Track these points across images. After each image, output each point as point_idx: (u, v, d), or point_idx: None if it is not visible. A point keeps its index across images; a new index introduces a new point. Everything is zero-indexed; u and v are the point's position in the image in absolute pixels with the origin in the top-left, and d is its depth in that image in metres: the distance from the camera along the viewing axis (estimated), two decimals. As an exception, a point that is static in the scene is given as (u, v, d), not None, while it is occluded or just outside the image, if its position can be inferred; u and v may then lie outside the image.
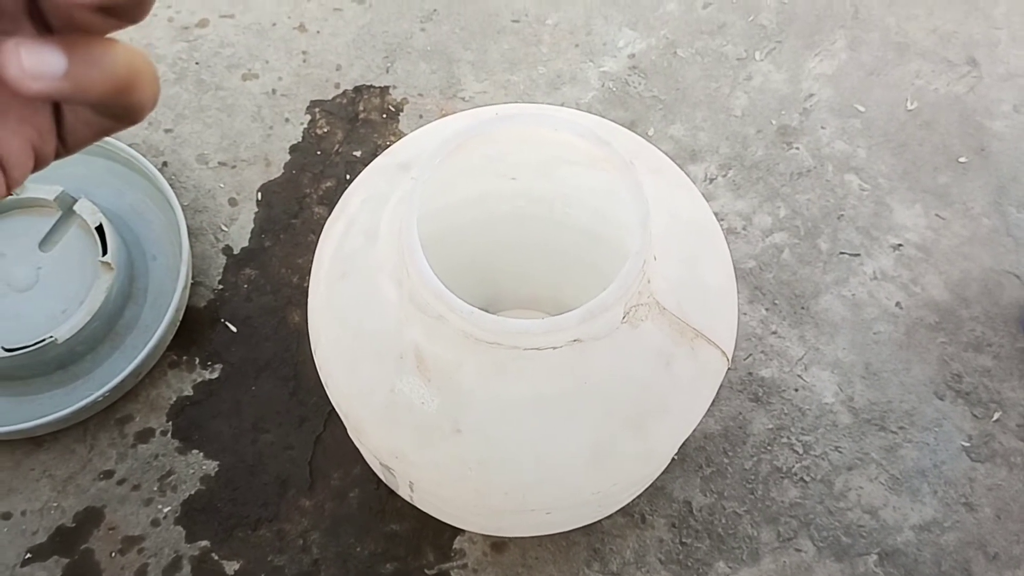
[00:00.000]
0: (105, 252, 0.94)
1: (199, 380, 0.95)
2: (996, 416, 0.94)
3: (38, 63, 0.25)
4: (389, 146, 1.07)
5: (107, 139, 1.02)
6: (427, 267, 0.60)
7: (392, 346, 0.65)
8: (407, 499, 0.78)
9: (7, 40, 0.25)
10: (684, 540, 0.88)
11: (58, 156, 0.31)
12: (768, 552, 0.88)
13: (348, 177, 1.05)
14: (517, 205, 0.84)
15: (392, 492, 0.88)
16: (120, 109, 0.29)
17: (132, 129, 1.05)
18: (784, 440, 0.92)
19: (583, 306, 0.59)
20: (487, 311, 0.96)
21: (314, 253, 0.73)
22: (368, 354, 0.66)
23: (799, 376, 0.95)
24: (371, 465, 0.80)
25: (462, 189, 0.79)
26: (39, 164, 0.30)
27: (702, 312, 0.68)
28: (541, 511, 0.68)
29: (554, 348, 0.60)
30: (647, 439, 0.65)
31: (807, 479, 0.91)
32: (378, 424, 0.66)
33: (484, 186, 0.80)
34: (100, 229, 0.96)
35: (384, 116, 1.09)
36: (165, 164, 1.06)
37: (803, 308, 0.98)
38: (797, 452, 0.92)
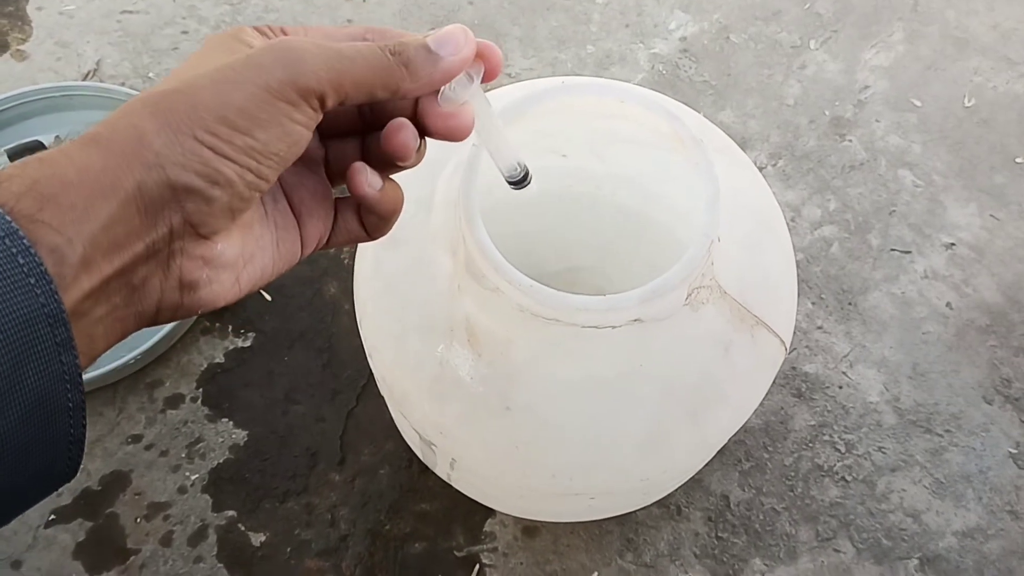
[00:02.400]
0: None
1: (231, 348, 0.93)
2: (1045, 424, 0.91)
3: (373, 181, 0.45)
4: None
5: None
6: (486, 236, 0.58)
7: (443, 318, 0.63)
8: (445, 478, 0.76)
9: (354, 164, 0.44)
10: (720, 535, 0.86)
11: (318, 248, 0.48)
12: (806, 551, 0.86)
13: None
14: (566, 184, 0.81)
15: (424, 471, 0.86)
16: (379, 225, 0.48)
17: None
18: (826, 438, 0.90)
19: (646, 285, 0.57)
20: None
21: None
22: (417, 326, 0.64)
23: (844, 373, 0.93)
24: (410, 442, 0.79)
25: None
26: (314, 251, 0.47)
27: (763, 299, 0.65)
28: (586, 496, 0.66)
29: (613, 328, 0.58)
30: (702, 427, 0.63)
31: (848, 479, 0.88)
32: (424, 398, 0.64)
33: (533, 163, 0.78)
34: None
35: (428, 89, 1.07)
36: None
37: (851, 304, 0.96)
38: (839, 451, 0.90)
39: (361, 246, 0.69)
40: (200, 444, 0.89)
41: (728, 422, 0.65)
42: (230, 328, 0.94)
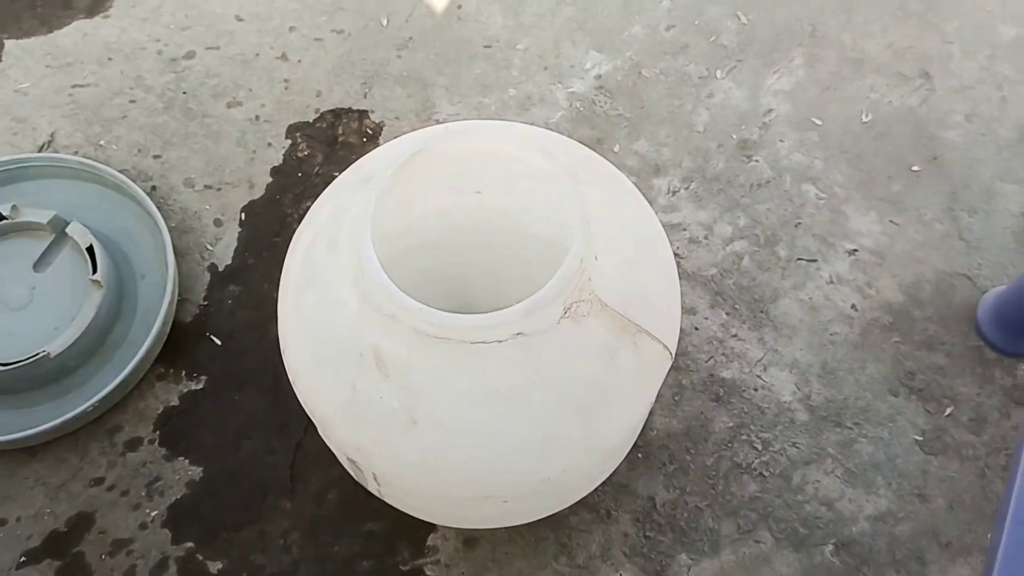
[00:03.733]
0: (95, 271, 1.00)
1: (185, 391, 1.00)
2: (948, 411, 0.97)
3: None
4: (366, 166, 1.12)
5: (98, 165, 1.07)
6: (380, 269, 0.65)
7: (352, 346, 0.70)
8: (376, 493, 0.82)
9: None
10: (648, 534, 0.92)
11: None
12: (728, 544, 0.92)
13: (327, 197, 1.10)
14: (484, 218, 0.88)
15: (369, 493, 0.93)
16: None
17: (122, 156, 1.11)
18: (744, 437, 0.96)
19: (523, 301, 0.64)
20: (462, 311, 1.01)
21: (286, 264, 0.78)
22: (331, 355, 0.71)
23: (758, 376, 0.99)
24: (340, 460, 0.85)
25: (430, 203, 0.84)
26: None
27: (645, 310, 0.72)
28: (498, 499, 0.72)
29: (499, 342, 0.65)
30: (591, 428, 0.70)
31: (766, 474, 0.95)
32: (342, 420, 0.70)
33: (450, 201, 0.85)
34: (91, 250, 1.01)
35: (363, 139, 1.15)
36: (154, 188, 1.11)
37: (762, 312, 1.03)
38: (756, 449, 0.96)
39: (282, 286, 0.76)
40: (159, 483, 0.95)
41: (617, 422, 0.72)
42: (183, 373, 1.01)
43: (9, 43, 1.21)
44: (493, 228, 0.90)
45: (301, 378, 0.72)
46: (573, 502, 0.85)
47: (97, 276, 0.99)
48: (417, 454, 0.69)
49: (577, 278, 0.65)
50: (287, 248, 1.06)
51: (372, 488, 0.81)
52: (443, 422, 0.68)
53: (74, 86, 1.18)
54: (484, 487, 0.69)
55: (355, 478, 0.85)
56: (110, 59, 1.21)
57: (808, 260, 1.06)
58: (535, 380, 0.68)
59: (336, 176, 1.11)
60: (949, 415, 0.97)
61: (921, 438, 0.96)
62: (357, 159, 1.12)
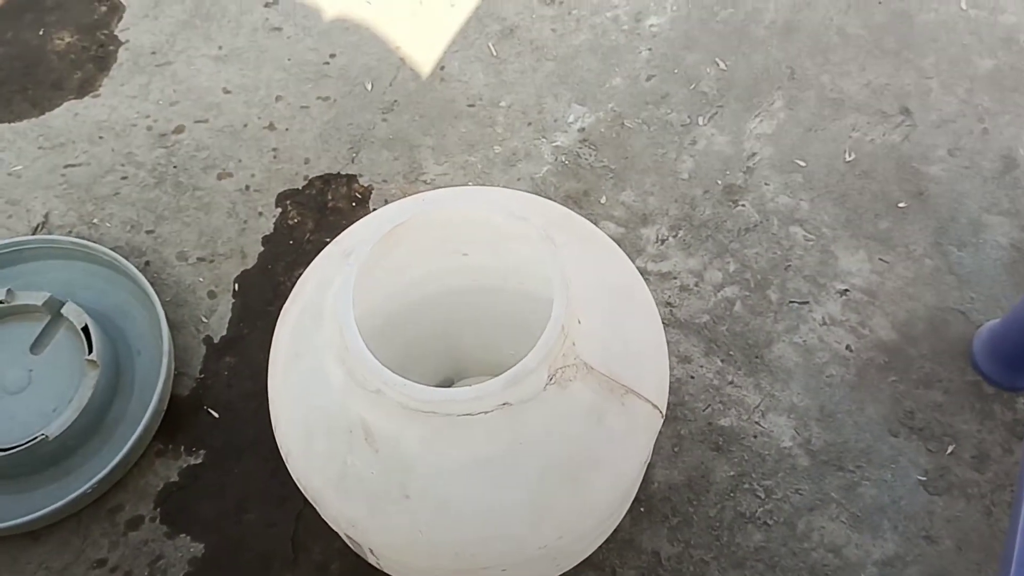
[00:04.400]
0: (91, 351, 1.00)
1: (184, 466, 1.00)
2: (950, 449, 0.97)
3: None
4: (356, 231, 1.13)
5: (90, 243, 1.08)
6: (363, 345, 0.65)
7: (341, 421, 0.70)
8: (375, 565, 0.82)
9: None
10: (652, 590, 0.91)
11: None
12: (735, 596, 0.91)
13: (319, 263, 1.11)
14: (472, 279, 0.89)
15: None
16: None
17: (115, 232, 1.12)
18: (746, 486, 0.96)
19: (507, 372, 0.64)
20: (452, 381, 1.01)
21: (276, 339, 0.79)
22: (321, 430, 0.71)
23: (757, 423, 0.99)
24: (339, 533, 0.85)
25: (416, 268, 0.84)
26: None
27: (630, 369, 0.72)
28: (495, 568, 0.72)
29: (486, 412, 0.65)
30: (585, 492, 0.70)
31: (770, 522, 0.94)
32: (334, 495, 0.70)
33: (437, 264, 0.86)
34: (86, 329, 1.02)
35: (352, 203, 1.16)
36: (147, 263, 1.12)
37: (757, 357, 1.03)
38: (759, 497, 0.95)
39: (272, 359, 0.76)
40: (161, 561, 0.95)
41: (609, 485, 0.71)
42: (182, 448, 1.01)
43: (1, 127, 1.23)
44: (482, 288, 0.90)
45: (293, 454, 0.73)
46: (575, 564, 0.85)
47: (93, 356, 1.00)
48: (411, 528, 0.69)
49: (560, 344, 0.66)
50: (281, 317, 1.07)
51: (371, 560, 0.81)
52: (435, 495, 0.68)
53: (67, 166, 1.20)
54: (480, 558, 0.69)
55: (354, 550, 0.85)
56: (101, 137, 1.23)
57: (800, 302, 1.06)
58: (523, 448, 0.68)
59: (328, 242, 1.12)
60: (951, 453, 0.97)
61: (924, 478, 0.96)
62: (348, 224, 1.14)
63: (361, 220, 0.82)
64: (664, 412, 0.74)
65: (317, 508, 0.73)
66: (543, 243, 0.68)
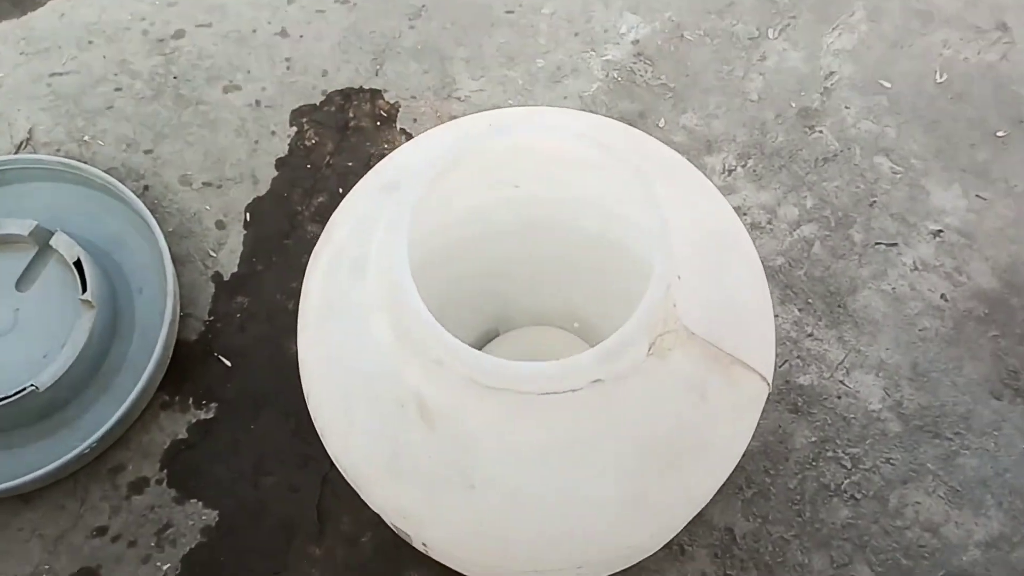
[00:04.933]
0: (85, 289, 0.88)
1: (193, 421, 0.88)
2: (1057, 413, 0.86)
3: None
4: (384, 154, 1.00)
5: (80, 164, 0.95)
6: (422, 306, 0.53)
7: (391, 393, 0.58)
8: (422, 551, 0.71)
9: None
10: (728, 572, 0.81)
11: None
12: (818, 577, 0.81)
13: (341, 191, 0.98)
14: (522, 214, 0.77)
15: (406, 533, 0.82)
16: None
17: (109, 152, 0.98)
18: (830, 454, 0.85)
19: (602, 343, 0.52)
20: (497, 331, 0.89)
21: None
22: (366, 402, 0.59)
23: (841, 382, 0.88)
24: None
25: (461, 203, 0.72)
26: None
27: (736, 333, 0.60)
28: (571, 568, 0.61)
29: (573, 391, 0.53)
30: (685, 482, 0.58)
31: (858, 496, 0.83)
32: (383, 481, 0.59)
33: (484, 197, 0.73)
34: (79, 264, 0.89)
35: (376, 123, 1.02)
36: (146, 188, 0.99)
37: (840, 306, 0.91)
38: (845, 467, 0.85)
39: (301, 314, 0.64)
40: (170, 530, 0.84)
41: (712, 473, 0.60)
42: (190, 400, 0.89)
43: (-24, 29, 1.08)
44: (531, 222, 0.78)
45: (331, 430, 0.61)
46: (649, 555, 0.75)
47: (87, 295, 0.87)
48: (476, 523, 0.57)
49: (663, 307, 0.54)
50: (299, 251, 0.95)
51: (418, 546, 0.70)
52: (505, 484, 0.56)
53: (52, 74, 1.06)
54: (556, 559, 0.58)
55: (398, 534, 0.74)
56: (91, 42, 1.08)
57: (887, 244, 0.94)
58: (615, 431, 0.56)
59: (350, 166, 0.99)
60: (1058, 417, 0.86)
61: (1029, 446, 0.85)
62: (372, 146, 1.01)
63: (406, 146, 0.69)
64: (771, 384, 0.62)
65: (360, 494, 0.61)
66: (635, 179, 0.56)
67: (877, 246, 0.93)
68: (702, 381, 0.58)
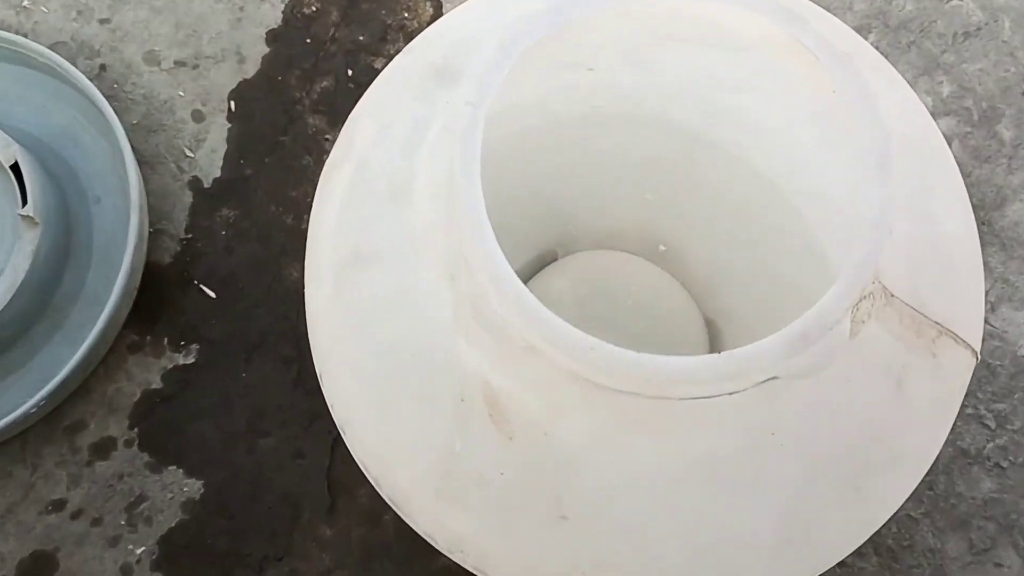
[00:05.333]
0: (25, 201, 0.68)
1: (170, 367, 0.70)
2: None
3: None
4: (405, 26, 0.79)
5: (19, 39, 0.74)
6: (506, 265, 0.34)
7: (447, 380, 0.40)
8: None
9: None
10: (844, 560, 0.64)
11: None
12: (958, 570, 0.65)
13: (350, 73, 0.77)
14: (594, 105, 0.57)
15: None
16: None
17: (55, 22, 0.77)
18: (969, 411, 0.68)
19: (791, 328, 0.33)
20: (555, 253, 0.71)
21: (311, 200, 0.47)
22: (409, 391, 0.41)
23: (985, 320, 0.69)
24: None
25: (518, 90, 0.52)
26: None
27: (943, 290, 0.42)
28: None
29: (731, 393, 0.35)
30: (866, 502, 0.41)
31: (1004, 464, 0.66)
32: (431, 500, 0.41)
33: (549, 82, 0.54)
34: (16, 168, 0.69)
35: (392, -16, 0.81)
36: (103, 68, 0.78)
37: (983, 223, 0.72)
38: (989, 427, 0.67)
39: (309, 261, 0.45)
40: (143, 504, 0.67)
41: (899, 489, 0.42)
42: (166, 340, 0.71)
43: None
44: (605, 118, 0.59)
45: (355, 424, 0.43)
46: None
47: (28, 209, 0.68)
48: (567, 565, 0.40)
49: (872, 270, 0.35)
50: (298, 150, 0.75)
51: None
52: (612, 517, 0.38)
53: (-21, -80, 0.83)
54: (684, 613, 0.41)
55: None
56: None
57: (1045, 145, 0.74)
58: (779, 440, 0.38)
59: (361, 40, 0.78)
60: None
61: None
62: (389, 15, 0.79)
63: (459, 11, 0.49)
64: (980, 355, 0.44)
65: (399, 513, 0.44)
66: (846, 73, 0.36)
67: (1032, 147, 0.74)
68: (900, 364, 0.40)
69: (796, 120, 0.48)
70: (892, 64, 0.71)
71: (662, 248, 0.68)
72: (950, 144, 0.72)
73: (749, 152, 0.56)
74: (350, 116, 0.47)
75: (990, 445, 0.67)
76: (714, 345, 0.66)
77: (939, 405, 0.41)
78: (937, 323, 0.40)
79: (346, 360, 0.43)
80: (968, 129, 0.74)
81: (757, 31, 0.38)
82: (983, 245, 0.70)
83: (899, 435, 0.40)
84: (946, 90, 0.75)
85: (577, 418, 0.37)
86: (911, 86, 0.68)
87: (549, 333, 0.33)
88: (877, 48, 0.76)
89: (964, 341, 0.42)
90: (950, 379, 0.41)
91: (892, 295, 0.39)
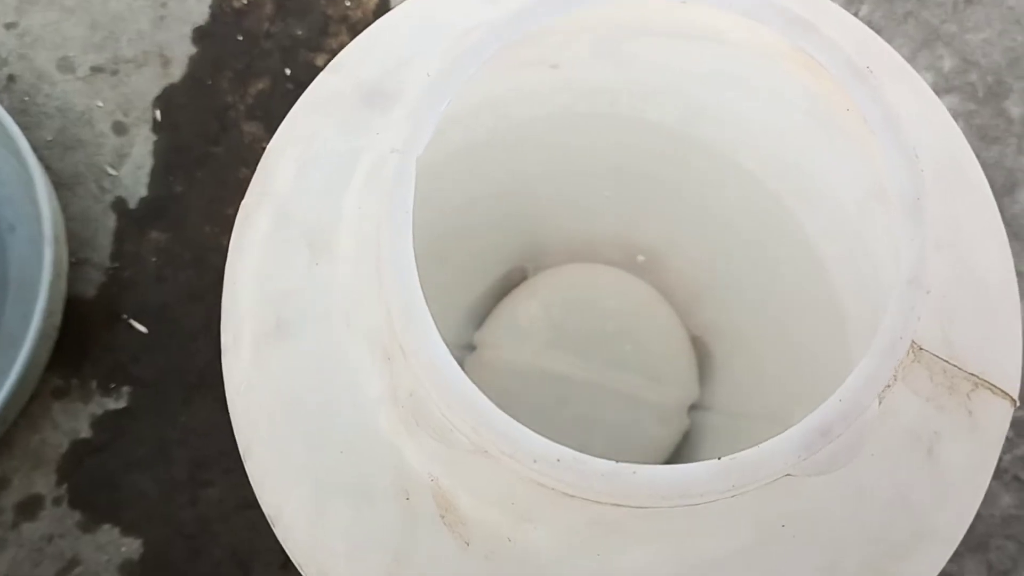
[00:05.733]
0: (-76, 235, 0.61)
1: (100, 413, 0.63)
2: None
3: None
4: (348, 17, 0.71)
5: (-89, 49, 0.66)
6: (451, 363, 0.27)
7: (390, 474, 0.33)
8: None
9: None
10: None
11: None
12: (983, 600, 0.59)
13: (288, 72, 0.70)
14: (560, 104, 0.50)
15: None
16: None
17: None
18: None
19: (808, 422, 0.27)
20: (524, 271, 0.64)
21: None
22: (345, 485, 0.34)
23: (998, 320, 0.63)
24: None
25: (474, 93, 0.44)
26: None
27: (979, 333, 0.35)
28: None
29: (735, 496, 0.28)
30: (894, 592, 0.34)
31: (1022, 477, 0.61)
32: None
33: (503, 84, 0.46)
34: (-87, 198, 0.62)
35: (332, -31, 0.73)
36: (11, 79, 0.70)
37: (993, 212, 0.66)
38: (1007, 437, 0.61)
39: (225, 323, 0.38)
40: (77, 568, 0.60)
41: (933, 563, 0.36)
42: (94, 384, 0.64)
43: None
44: (573, 117, 0.52)
45: (286, 520, 0.36)
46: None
47: (-73, 245, 0.60)
48: None
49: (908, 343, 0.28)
50: (233, 162, 0.68)
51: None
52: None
53: None
54: None
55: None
56: None
57: (1057, 121, 0.67)
58: (794, 532, 0.32)
59: (299, 35, 0.71)
60: None
61: None
62: (329, 5, 0.72)
63: (394, 16, 0.41)
64: (1018, 401, 0.37)
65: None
66: (867, 96, 0.29)
67: (1042, 124, 0.67)
68: (932, 431, 0.33)
69: (794, 121, 0.41)
70: (888, 38, 0.64)
71: (641, 259, 0.61)
72: (953, 125, 0.66)
73: (737, 151, 0.49)
74: (267, 149, 0.39)
75: (1008, 456, 0.61)
76: (704, 368, 0.59)
77: (974, 468, 0.35)
78: (972, 375, 0.34)
79: (271, 445, 0.36)
80: (973, 107, 0.68)
81: (756, 40, 0.31)
82: (993, 236, 0.64)
83: (930, 510, 0.34)
84: (947, 64, 0.68)
85: (545, 525, 0.30)
86: (909, 61, 0.61)
87: (507, 446, 0.26)
88: (870, 21, 0.69)
89: (1002, 391, 0.35)
90: (987, 436, 0.35)
91: (921, 348, 0.32)
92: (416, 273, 0.27)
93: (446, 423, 0.27)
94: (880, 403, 0.30)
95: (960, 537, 0.34)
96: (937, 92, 0.67)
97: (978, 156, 0.62)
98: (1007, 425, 0.36)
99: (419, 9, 0.40)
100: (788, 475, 0.28)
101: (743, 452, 0.26)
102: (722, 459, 0.26)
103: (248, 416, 0.36)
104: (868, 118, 0.29)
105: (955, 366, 0.33)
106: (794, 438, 0.26)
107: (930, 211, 0.28)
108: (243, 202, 0.39)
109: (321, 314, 0.34)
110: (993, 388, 0.35)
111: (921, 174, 0.28)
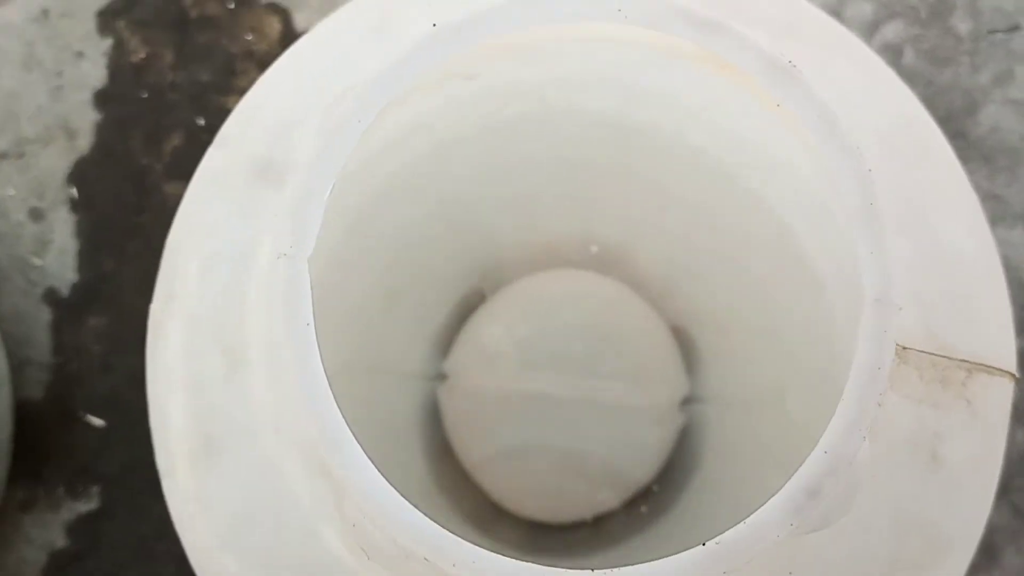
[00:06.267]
0: None
1: (72, 518, 0.60)
2: None
3: None
4: (253, 52, 0.67)
5: None
6: (383, 486, 0.24)
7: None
8: None
9: None
10: None
11: None
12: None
13: (202, 122, 0.66)
14: (486, 112, 0.46)
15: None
16: None
17: None
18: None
19: (793, 484, 0.24)
20: (482, 292, 0.61)
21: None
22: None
23: (982, 248, 0.60)
24: None
25: (395, 116, 0.41)
26: None
27: (964, 314, 0.32)
28: None
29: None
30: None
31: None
32: None
33: (419, 106, 0.43)
34: None
35: (231, 5, 0.68)
36: (-86, 181, 0.66)
37: (959, 134, 0.62)
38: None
39: (157, 444, 0.35)
40: None
41: (953, 570, 0.33)
42: (61, 489, 0.60)
43: None
44: (503, 123, 0.48)
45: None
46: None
47: None
48: None
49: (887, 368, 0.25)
50: (160, 229, 0.63)
51: None
52: None
53: None
54: None
55: None
56: None
57: (1006, 31, 0.64)
58: (791, 569, 0.29)
59: (205, 81, 0.66)
60: None
61: None
62: (230, 42, 0.67)
63: (281, 67, 0.37)
64: (1018, 373, 0.35)
65: None
66: (777, 78, 0.26)
67: (993, 35, 0.64)
68: (932, 432, 0.30)
69: (736, 97, 0.38)
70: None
71: (594, 249, 0.58)
72: (901, 53, 0.63)
73: (684, 130, 0.46)
74: (166, 245, 0.36)
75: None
76: (690, 358, 0.56)
77: (982, 461, 0.32)
78: (964, 360, 0.31)
79: (225, 572, 0.33)
80: (918, 31, 0.64)
81: (667, 45, 0.28)
82: (962, 161, 0.61)
83: (943, 519, 0.31)
84: (883, -10, 0.65)
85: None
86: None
87: (442, 559, 0.23)
88: (795, -42, 0.65)
89: (999, 369, 0.32)
90: (991, 420, 0.32)
91: (905, 348, 0.29)
92: (330, 393, 0.24)
93: (394, 550, 0.24)
94: (867, 440, 0.27)
95: (977, 539, 0.31)
96: (879, 21, 0.63)
97: (932, 81, 0.59)
98: (1009, 405, 0.33)
99: (295, 62, 0.36)
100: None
101: (728, 533, 0.23)
102: (707, 544, 0.23)
103: (196, 545, 0.33)
104: (800, 119, 0.25)
105: (944, 356, 0.30)
106: (782, 505, 0.23)
107: (886, 211, 0.25)
108: (151, 308, 0.36)
109: (246, 428, 0.30)
110: (989, 369, 0.32)
111: (869, 175, 0.24)
